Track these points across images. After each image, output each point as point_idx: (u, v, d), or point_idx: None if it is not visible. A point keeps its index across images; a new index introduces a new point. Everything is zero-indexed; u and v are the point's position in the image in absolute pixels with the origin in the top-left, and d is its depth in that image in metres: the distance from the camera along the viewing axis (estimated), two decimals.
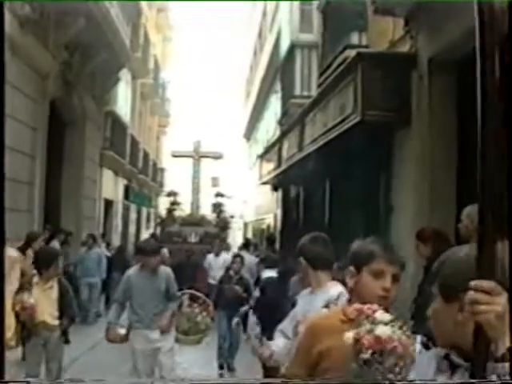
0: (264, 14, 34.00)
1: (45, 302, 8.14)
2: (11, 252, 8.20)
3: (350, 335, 3.02)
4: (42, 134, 15.24)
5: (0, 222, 1.72)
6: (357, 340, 2.97)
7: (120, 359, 10.26)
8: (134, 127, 32.45)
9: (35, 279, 8.31)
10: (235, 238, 52.34)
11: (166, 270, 9.17)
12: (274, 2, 28.02)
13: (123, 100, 29.58)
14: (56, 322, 8.38)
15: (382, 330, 2.96)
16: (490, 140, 1.78)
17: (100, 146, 22.91)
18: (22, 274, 8.72)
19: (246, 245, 21.68)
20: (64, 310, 8.50)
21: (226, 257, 17.83)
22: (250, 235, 39.49)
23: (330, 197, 15.48)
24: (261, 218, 35.22)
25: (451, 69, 9.27)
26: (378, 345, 2.93)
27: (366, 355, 2.91)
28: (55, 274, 8.58)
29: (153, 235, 20.48)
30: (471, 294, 1.83)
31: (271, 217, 29.21)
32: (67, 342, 9.02)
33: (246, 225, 45.89)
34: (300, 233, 18.06)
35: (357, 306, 3.21)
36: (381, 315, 3.05)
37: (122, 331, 8.86)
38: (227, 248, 21.76)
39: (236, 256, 13.85)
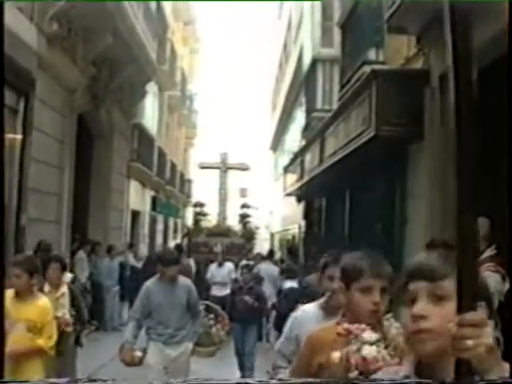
0: (289, 26, 34.23)
1: (59, 311, 8.21)
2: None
3: (336, 355, 3.22)
4: (69, 147, 15.61)
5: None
6: (343, 359, 3.17)
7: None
8: (161, 139, 32.78)
9: (46, 288, 8.42)
10: (262, 248, 52.67)
11: (186, 282, 8.87)
12: (298, 16, 28.34)
13: (150, 112, 29.96)
14: (70, 329, 8.49)
15: (368, 351, 3.13)
16: None
17: (127, 158, 23.32)
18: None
19: (270, 255, 21.93)
20: (76, 315, 8.67)
21: (230, 266, 18.32)
22: (276, 246, 39.63)
23: (350, 208, 15.72)
24: (286, 229, 35.27)
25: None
26: (364, 366, 3.09)
27: (353, 375, 3.09)
28: (57, 278, 8.62)
29: (178, 246, 20.72)
30: (457, 330, 1.69)
31: (296, 227, 29.22)
32: (81, 345, 9.14)
33: (272, 235, 46.01)
34: (322, 243, 18.35)
35: (346, 325, 3.34)
36: (368, 335, 3.21)
37: (139, 353, 8.44)
38: (252, 257, 22.01)
39: (244, 267, 13.72)
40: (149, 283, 8.69)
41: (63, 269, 8.85)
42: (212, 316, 10.08)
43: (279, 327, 10.12)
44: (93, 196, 19.69)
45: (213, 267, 18.89)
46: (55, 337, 6.92)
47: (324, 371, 3.35)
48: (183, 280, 8.80)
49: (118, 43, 16.55)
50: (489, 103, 7.89)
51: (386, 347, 3.17)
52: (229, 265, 19.26)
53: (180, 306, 8.49)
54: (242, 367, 12.36)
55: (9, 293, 6.41)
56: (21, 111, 12.43)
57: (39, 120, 13.15)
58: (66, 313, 8.36)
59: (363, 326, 3.27)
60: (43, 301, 6.87)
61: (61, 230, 15.16)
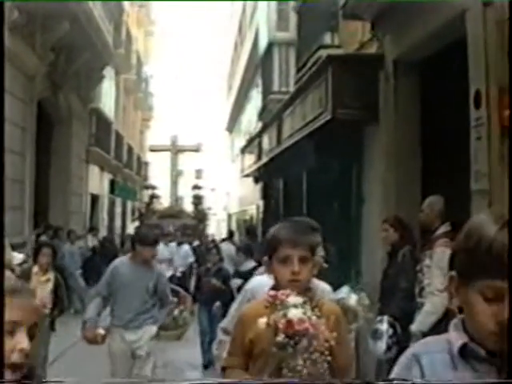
0: (243, 10, 34.50)
1: (41, 292, 8.52)
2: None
3: (262, 321, 3.25)
4: (30, 134, 15.77)
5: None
6: (269, 324, 3.19)
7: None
8: (118, 122, 32.83)
9: (35, 269, 8.83)
10: (220, 229, 52.91)
11: (157, 267, 8.49)
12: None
13: (107, 96, 29.96)
14: (47, 311, 8.71)
15: (293, 313, 3.14)
16: None
17: (86, 143, 23.46)
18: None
19: (230, 236, 22.24)
20: (56, 302, 8.89)
21: (186, 247, 18.59)
22: (233, 226, 39.92)
23: (308, 189, 16.06)
24: (244, 210, 35.47)
25: (415, 70, 9.90)
26: (290, 328, 3.11)
27: (280, 338, 3.12)
28: (47, 263, 8.94)
29: (156, 225, 21.02)
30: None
31: (254, 208, 29.55)
32: (54, 329, 9.17)
33: (229, 216, 46.24)
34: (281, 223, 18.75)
35: (272, 292, 3.36)
36: (293, 299, 3.21)
37: (101, 331, 7.94)
38: (206, 239, 22.32)
39: (211, 248, 13.33)
40: (118, 262, 8.29)
41: (54, 254, 9.16)
42: (174, 299, 9.53)
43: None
44: (53, 181, 19.80)
45: (172, 246, 19.34)
46: None
47: (255, 346, 3.42)
48: (154, 264, 8.30)
49: (76, 29, 16.69)
50: None
51: (312, 309, 3.19)
52: (185, 246, 19.50)
53: (146, 290, 7.92)
54: (204, 350, 11.92)
55: None
56: None
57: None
58: (42, 298, 8.48)
59: (288, 291, 3.28)
60: None
61: (23, 216, 15.31)
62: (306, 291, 3.42)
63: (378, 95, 10.39)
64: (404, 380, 1.84)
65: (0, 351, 1.64)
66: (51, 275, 8.96)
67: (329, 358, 3.20)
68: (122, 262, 8.22)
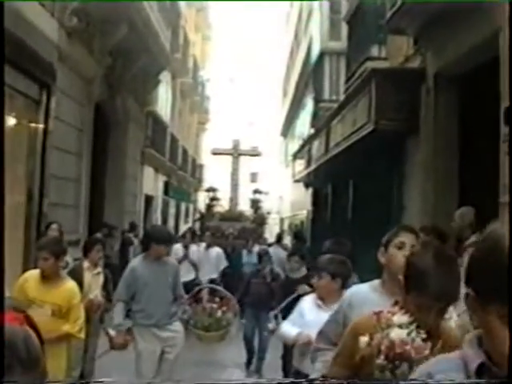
0: (299, 16, 34.79)
1: (94, 286, 8.88)
2: None
3: (364, 339, 3.00)
4: (87, 135, 16.25)
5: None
6: (370, 344, 2.95)
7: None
8: (174, 125, 33.32)
9: (85, 264, 9.03)
10: (273, 232, 53.16)
11: (172, 261, 8.59)
12: (308, 7, 28.84)
13: (163, 99, 30.43)
14: (99, 312, 8.93)
15: (396, 334, 2.86)
16: None
17: (142, 145, 23.96)
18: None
19: (279, 240, 22.52)
20: (105, 296, 9.02)
21: (218, 250, 16.98)
22: (285, 230, 40.06)
23: (353, 195, 16.44)
24: (296, 214, 35.76)
25: (454, 84, 10.24)
26: (391, 350, 2.84)
27: (380, 361, 2.86)
28: (98, 258, 9.18)
29: (190, 229, 21.25)
30: None
31: (305, 213, 29.91)
32: (102, 322, 9.32)
33: (282, 220, 46.45)
34: (328, 228, 18.99)
35: (376, 309, 3.09)
36: (399, 318, 2.93)
37: (128, 336, 8.06)
38: (264, 242, 22.29)
39: (262, 254, 12.68)
40: (134, 263, 8.35)
41: (104, 250, 9.51)
42: (215, 300, 9.99)
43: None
44: (108, 181, 20.25)
45: (201, 250, 17.49)
46: (81, 320, 6.95)
47: (367, 364, 3.09)
48: (169, 259, 8.48)
49: (133, 34, 17.12)
50: None
51: (418, 330, 2.88)
52: (216, 249, 19.17)
53: (167, 285, 8.07)
54: (250, 352, 11.91)
55: (34, 276, 6.71)
56: (43, 102, 13.04)
57: (59, 110, 13.78)
58: (97, 295, 8.82)
59: (396, 308, 3.03)
60: (70, 284, 6.93)
61: (79, 214, 15.78)
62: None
63: (419, 108, 10.74)
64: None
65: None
66: (101, 269, 9.24)
67: None
68: (138, 262, 8.26)
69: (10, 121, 11.90)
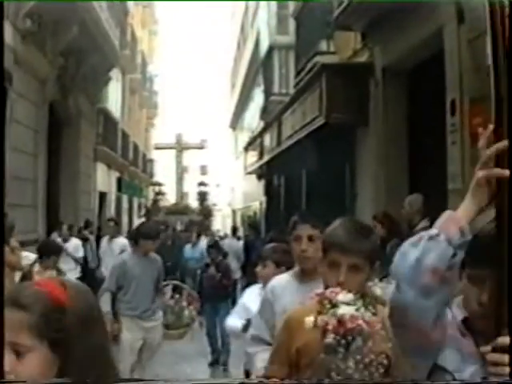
0: (246, 10, 35.07)
1: None
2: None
3: (309, 319, 2.84)
4: (42, 135, 16.39)
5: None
6: (317, 325, 2.80)
7: None
8: (124, 121, 33.29)
9: (36, 268, 8.73)
10: (225, 224, 53.33)
11: (157, 257, 8.79)
12: (254, 2, 29.06)
13: (113, 96, 30.44)
14: None
15: (344, 311, 2.75)
16: None
17: (94, 142, 24.04)
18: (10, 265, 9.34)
19: (234, 231, 22.83)
20: None
21: (123, 242, 14.68)
22: (238, 222, 40.30)
23: (307, 186, 16.87)
24: (248, 206, 35.98)
25: (401, 78, 10.70)
26: (342, 326, 2.72)
27: (330, 340, 2.73)
28: (53, 265, 8.84)
29: (156, 222, 21.35)
30: (493, 356, 1.80)
31: (257, 204, 30.09)
32: None
33: (234, 212, 46.58)
34: (282, 218, 19.35)
35: (318, 290, 2.96)
36: (343, 296, 2.82)
37: (116, 324, 8.24)
38: (212, 235, 22.39)
39: (210, 246, 13.05)
40: (124, 256, 8.87)
41: (58, 253, 9.15)
42: (179, 297, 9.85)
43: None
44: (63, 180, 20.32)
45: (187, 247, 18.20)
46: None
47: (303, 357, 3.09)
48: (154, 255, 8.74)
49: (84, 34, 17.33)
50: None
51: (365, 306, 2.80)
52: (202, 245, 19.02)
53: (152, 280, 8.45)
54: (214, 349, 11.78)
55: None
56: None
57: (15, 112, 13.96)
58: None
59: (338, 289, 2.89)
60: None
61: (37, 214, 15.93)
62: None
63: (368, 101, 11.18)
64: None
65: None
66: (53, 271, 8.82)
67: (385, 362, 2.78)
68: (128, 256, 8.76)
69: None
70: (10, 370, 1.71)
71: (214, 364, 11.66)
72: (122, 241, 14.45)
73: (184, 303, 9.66)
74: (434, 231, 2.02)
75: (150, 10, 43.56)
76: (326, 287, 2.98)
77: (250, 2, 31.63)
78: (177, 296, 9.73)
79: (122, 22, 25.64)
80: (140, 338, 8.37)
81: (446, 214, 2.05)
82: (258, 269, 5.76)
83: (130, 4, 30.94)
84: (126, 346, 8.27)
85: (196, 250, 17.60)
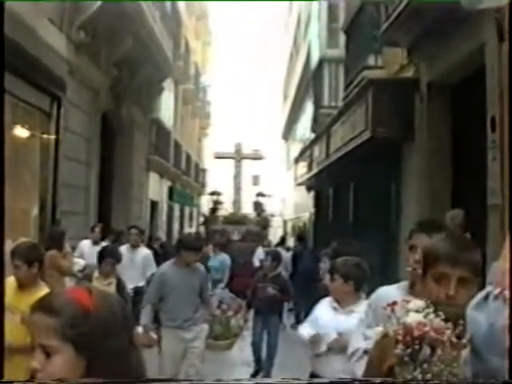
0: (298, 21, 35.21)
1: None
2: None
3: (378, 329, 2.78)
4: (95, 144, 16.77)
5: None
6: (387, 335, 2.67)
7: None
8: (177, 131, 33.64)
9: (96, 274, 9.10)
10: (276, 235, 53.47)
11: (199, 266, 8.84)
12: (307, 13, 29.23)
13: (166, 106, 30.79)
14: None
15: (412, 318, 2.57)
16: None
17: (146, 152, 24.40)
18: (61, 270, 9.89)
19: (282, 241, 22.96)
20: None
21: (146, 252, 13.97)
22: (288, 232, 40.28)
23: (354, 198, 16.99)
24: (298, 216, 36.03)
25: (446, 93, 10.77)
26: (408, 334, 2.52)
27: (398, 350, 2.52)
28: (111, 271, 9.08)
29: (196, 233, 21.57)
30: None
31: (307, 215, 30.22)
32: None
33: (285, 222, 46.72)
34: (330, 229, 19.48)
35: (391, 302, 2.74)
36: (414, 304, 2.65)
37: (155, 335, 8.44)
38: (268, 245, 22.55)
39: (268, 253, 12.43)
40: (164, 268, 8.80)
41: (117, 262, 9.37)
42: (226, 307, 9.81)
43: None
44: (115, 188, 20.69)
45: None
46: None
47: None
48: (198, 265, 8.80)
49: (138, 45, 17.69)
50: None
51: (435, 312, 2.59)
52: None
53: (194, 290, 8.49)
54: (258, 360, 11.65)
55: (12, 281, 6.29)
56: (54, 114, 13.56)
57: (69, 121, 14.32)
58: None
59: (410, 297, 2.84)
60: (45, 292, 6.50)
61: (88, 221, 16.25)
62: None
63: (413, 116, 11.28)
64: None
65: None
66: (113, 279, 9.15)
67: (456, 371, 2.50)
68: (167, 267, 8.73)
69: (24, 133, 12.43)
70: (41, 368, 1.97)
71: (256, 375, 11.50)
72: (144, 251, 13.70)
73: (230, 312, 9.66)
74: (495, 290, 2.10)
75: (204, 21, 44.03)
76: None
77: (303, 14, 31.84)
78: (223, 306, 9.72)
79: (176, 33, 26.02)
80: (181, 348, 8.45)
81: (498, 268, 2.14)
82: (326, 282, 6.05)
83: (184, 15, 31.34)
84: (167, 356, 8.44)
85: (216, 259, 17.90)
